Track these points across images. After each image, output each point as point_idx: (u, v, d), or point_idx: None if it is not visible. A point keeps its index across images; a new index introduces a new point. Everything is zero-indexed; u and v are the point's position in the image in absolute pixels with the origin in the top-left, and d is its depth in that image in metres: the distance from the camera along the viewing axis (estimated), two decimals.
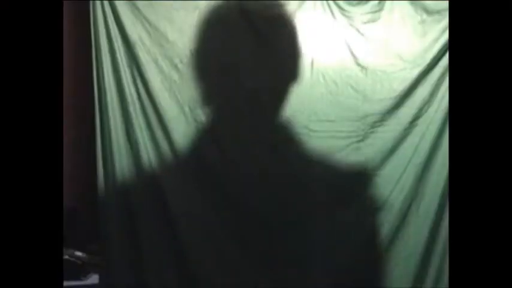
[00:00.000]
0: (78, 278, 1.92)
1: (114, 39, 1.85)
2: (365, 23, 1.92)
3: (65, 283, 1.66)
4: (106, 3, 1.83)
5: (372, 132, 1.92)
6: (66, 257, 1.90)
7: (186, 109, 1.86)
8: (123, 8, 1.84)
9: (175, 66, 1.86)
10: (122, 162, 1.85)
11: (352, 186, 1.92)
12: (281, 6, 1.88)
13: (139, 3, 1.85)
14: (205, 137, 1.86)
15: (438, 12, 1.92)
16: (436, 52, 1.92)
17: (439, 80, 1.93)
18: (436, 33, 1.92)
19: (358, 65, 1.92)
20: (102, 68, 1.84)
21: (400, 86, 1.92)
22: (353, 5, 1.92)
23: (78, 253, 1.99)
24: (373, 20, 1.93)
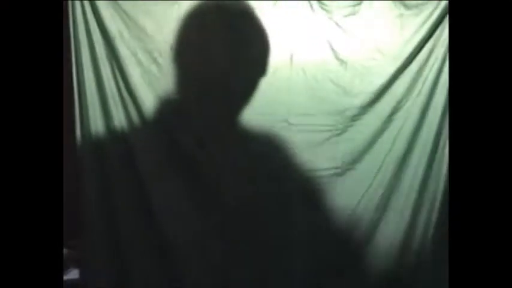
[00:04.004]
0: None
1: (93, 34, 1.84)
2: (344, 17, 1.93)
3: None
4: None
5: (351, 126, 1.94)
6: None
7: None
8: (101, 2, 1.84)
9: (155, 60, 1.86)
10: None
11: (330, 180, 1.93)
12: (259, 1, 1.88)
13: None
14: (184, 130, 1.87)
15: (416, 6, 1.93)
16: (414, 46, 1.93)
17: (417, 74, 1.94)
18: (414, 27, 1.93)
19: (338, 59, 1.92)
20: (82, 62, 1.84)
21: (379, 80, 1.93)
22: None
23: None
24: (352, 14, 1.93)
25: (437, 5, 1.91)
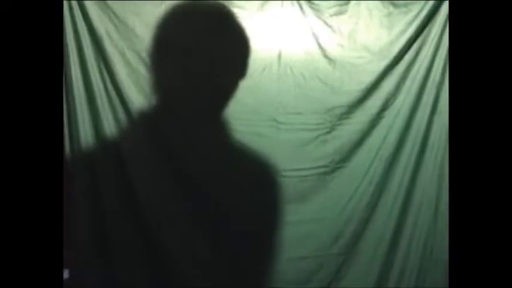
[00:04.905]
0: None
1: (81, 33, 1.84)
2: (332, 15, 1.93)
3: None
4: None
5: (340, 124, 1.94)
6: None
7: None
8: (89, 2, 1.84)
9: (143, 60, 1.86)
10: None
11: (319, 179, 1.94)
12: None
13: None
14: (171, 129, 1.87)
15: (404, 5, 1.93)
16: (403, 44, 1.93)
17: (405, 72, 1.94)
18: (402, 25, 1.94)
19: (326, 57, 1.93)
20: (69, 62, 1.83)
21: (367, 78, 1.94)
22: None
23: None
24: (340, 13, 1.94)
25: (426, 3, 1.92)
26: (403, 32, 1.94)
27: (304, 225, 1.94)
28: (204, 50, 1.81)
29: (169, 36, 1.81)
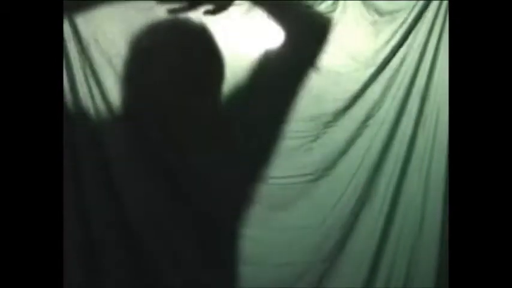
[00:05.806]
0: None
1: (67, 40, 1.85)
2: None
3: None
4: None
5: (325, 132, 1.94)
6: None
7: None
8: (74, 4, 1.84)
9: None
10: None
11: (304, 186, 1.94)
12: (231, 8, 1.89)
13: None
14: (157, 135, 1.87)
15: (390, 13, 1.95)
16: (388, 53, 1.95)
17: (390, 81, 1.96)
18: (387, 34, 1.95)
19: None
20: None
21: (353, 87, 1.95)
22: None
23: None
24: None
25: (411, 12, 1.93)
26: (388, 40, 1.95)
27: (288, 232, 1.93)
28: (188, 51, 1.81)
29: (156, 39, 1.82)
